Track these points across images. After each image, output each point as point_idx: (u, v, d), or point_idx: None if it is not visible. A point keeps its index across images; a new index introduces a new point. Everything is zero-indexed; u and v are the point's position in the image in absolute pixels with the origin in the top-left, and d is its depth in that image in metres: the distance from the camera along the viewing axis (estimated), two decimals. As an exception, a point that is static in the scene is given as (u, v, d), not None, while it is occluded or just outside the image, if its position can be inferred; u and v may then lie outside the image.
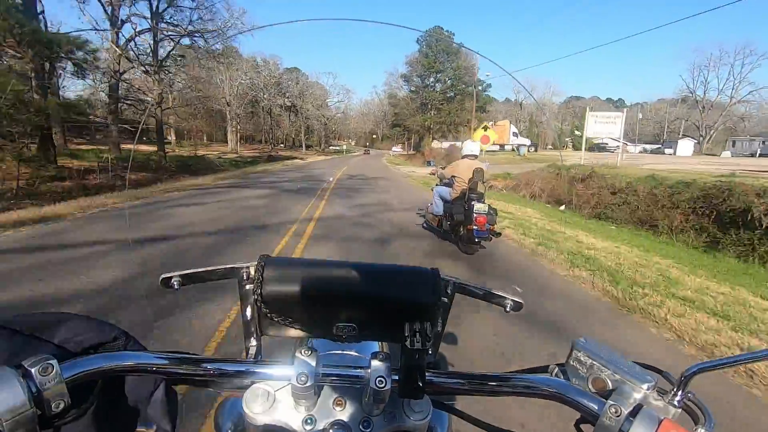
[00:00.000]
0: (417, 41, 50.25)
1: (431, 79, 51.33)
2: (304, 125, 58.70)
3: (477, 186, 4.96)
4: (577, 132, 51.00)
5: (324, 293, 0.51)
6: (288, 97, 60.30)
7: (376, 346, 0.74)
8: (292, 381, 0.40)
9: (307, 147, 74.74)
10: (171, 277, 0.53)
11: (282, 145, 73.05)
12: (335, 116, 70.53)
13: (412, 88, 55.32)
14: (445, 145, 40.96)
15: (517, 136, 39.32)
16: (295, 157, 39.12)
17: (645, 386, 0.39)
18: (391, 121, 67.00)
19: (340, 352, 0.67)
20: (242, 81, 50.26)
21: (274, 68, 57.88)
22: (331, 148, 79.82)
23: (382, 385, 0.40)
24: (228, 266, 0.55)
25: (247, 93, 57.24)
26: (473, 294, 0.57)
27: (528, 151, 34.87)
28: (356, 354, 0.68)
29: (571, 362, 0.44)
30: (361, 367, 0.45)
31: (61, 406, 0.35)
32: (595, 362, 0.43)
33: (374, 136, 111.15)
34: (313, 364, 0.41)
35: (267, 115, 59.58)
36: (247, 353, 0.55)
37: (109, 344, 0.44)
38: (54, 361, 0.35)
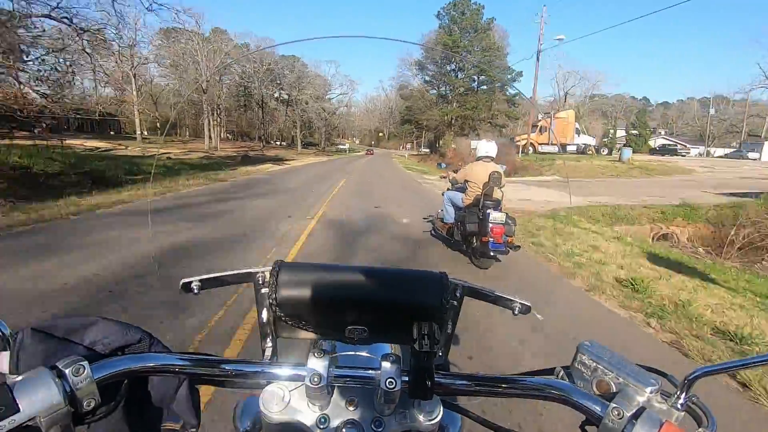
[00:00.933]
0: (437, 16, 40.91)
1: (452, 66, 42.18)
2: (300, 119, 49.40)
3: (492, 192, 4.31)
4: (633, 131, 41.90)
5: (336, 297, 0.52)
6: (283, 88, 51.48)
7: (386, 347, 0.72)
8: (306, 381, 0.42)
9: (309, 145, 66.07)
10: (191, 282, 0.55)
11: (280, 142, 64.41)
12: (338, 110, 61.32)
13: (427, 78, 46.20)
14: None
15: (579, 134, 29.95)
16: (281, 159, 29.96)
17: (648, 389, 0.40)
18: (402, 116, 57.86)
19: (351, 353, 0.66)
20: (224, 62, 41.46)
21: (267, 55, 49.10)
22: (334, 147, 71.03)
23: (392, 386, 0.41)
24: (245, 271, 0.57)
25: (233, 79, 48.69)
26: (482, 297, 0.57)
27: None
28: (367, 355, 0.67)
29: (576, 365, 0.45)
30: (372, 369, 0.46)
31: (92, 404, 0.38)
32: (599, 365, 0.43)
33: (380, 134, 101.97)
34: (326, 365, 0.43)
35: (259, 108, 50.92)
36: (264, 354, 0.57)
37: (135, 346, 0.46)
38: (85, 363, 0.37)
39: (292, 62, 53.07)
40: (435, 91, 47.31)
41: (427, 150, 62.45)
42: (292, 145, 67.92)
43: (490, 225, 4.00)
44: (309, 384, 0.42)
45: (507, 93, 42.49)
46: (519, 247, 4.37)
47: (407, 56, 50.40)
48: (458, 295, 0.56)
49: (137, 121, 37.35)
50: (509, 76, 41.18)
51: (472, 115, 38.85)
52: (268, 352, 0.57)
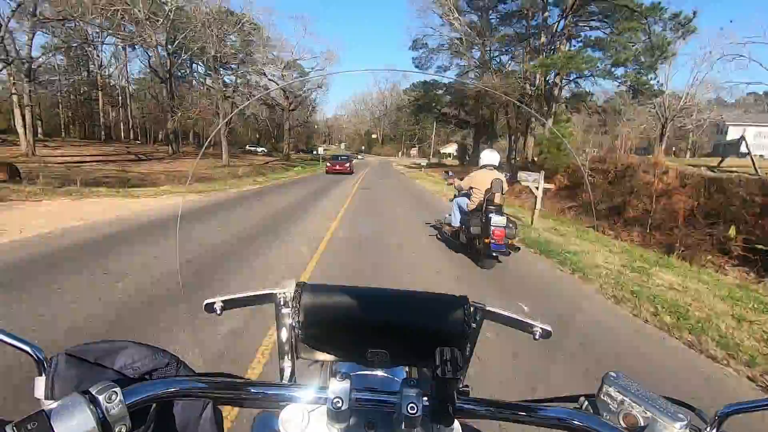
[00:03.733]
0: None
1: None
2: (224, 101, 25.96)
3: (494, 197, 4.48)
4: None
5: (359, 320, 0.52)
6: (219, 58, 28.68)
7: (404, 369, 0.71)
8: (327, 404, 0.41)
9: (275, 152, 43.47)
10: (214, 303, 0.55)
11: (235, 147, 41.27)
12: (307, 95, 38.47)
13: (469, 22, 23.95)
14: None
15: None
16: None
17: (678, 425, 0.38)
18: (412, 102, 35.44)
19: (369, 373, 0.64)
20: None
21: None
22: (310, 154, 48.24)
23: (414, 411, 0.40)
24: (266, 291, 0.56)
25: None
26: (502, 320, 0.56)
27: None
28: (385, 375, 0.65)
29: (602, 396, 0.43)
30: (392, 393, 0.45)
31: (123, 429, 0.37)
32: (626, 398, 0.41)
33: (374, 136, 79.57)
34: (348, 388, 0.41)
35: (165, 82, 28.16)
36: (282, 374, 0.57)
37: (163, 369, 0.46)
38: (117, 388, 0.37)
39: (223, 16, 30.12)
40: (477, 51, 25.09)
41: (448, 161, 40.44)
42: (250, 149, 45.29)
43: (492, 228, 4.12)
44: (331, 407, 0.40)
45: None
46: (519, 248, 4.57)
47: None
48: (478, 318, 0.55)
49: None
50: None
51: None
52: (287, 373, 0.56)
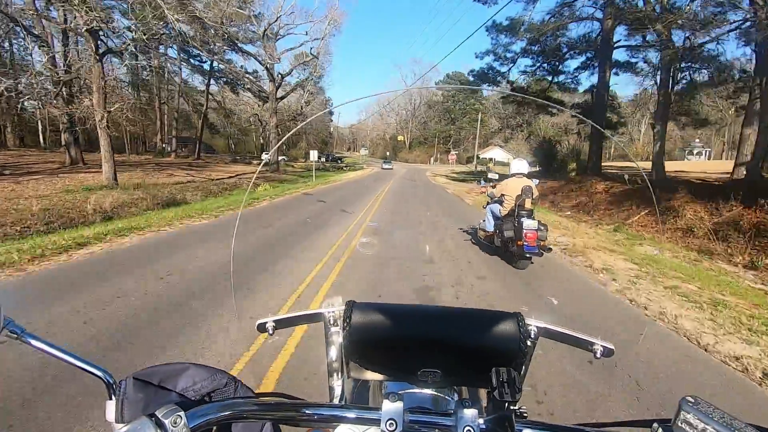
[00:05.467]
0: None
1: None
2: (98, 60, 13.95)
3: (525, 203, 4.76)
4: None
5: (410, 338, 0.51)
6: None
7: (453, 388, 0.67)
8: (382, 426, 0.39)
9: (291, 160, 31.32)
10: (266, 323, 0.57)
11: (230, 154, 27.63)
12: (308, 77, 26.55)
13: None
14: None
15: None
16: None
17: None
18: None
19: (420, 393, 0.61)
20: None
21: None
22: (334, 161, 36.29)
23: None
24: (315, 311, 0.56)
25: None
26: (560, 338, 0.53)
27: None
28: (436, 395, 0.61)
29: (680, 424, 0.39)
30: (446, 414, 0.43)
31: None
32: (708, 426, 0.37)
33: (400, 139, 67.11)
34: (401, 410, 0.40)
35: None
36: (331, 393, 0.57)
37: (221, 390, 0.48)
38: (182, 412, 0.37)
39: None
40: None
41: (492, 166, 27.68)
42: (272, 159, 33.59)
43: (525, 231, 4.34)
44: (385, 429, 0.39)
45: None
46: (551, 249, 4.73)
47: None
48: (533, 336, 0.52)
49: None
50: None
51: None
52: (337, 392, 0.56)
